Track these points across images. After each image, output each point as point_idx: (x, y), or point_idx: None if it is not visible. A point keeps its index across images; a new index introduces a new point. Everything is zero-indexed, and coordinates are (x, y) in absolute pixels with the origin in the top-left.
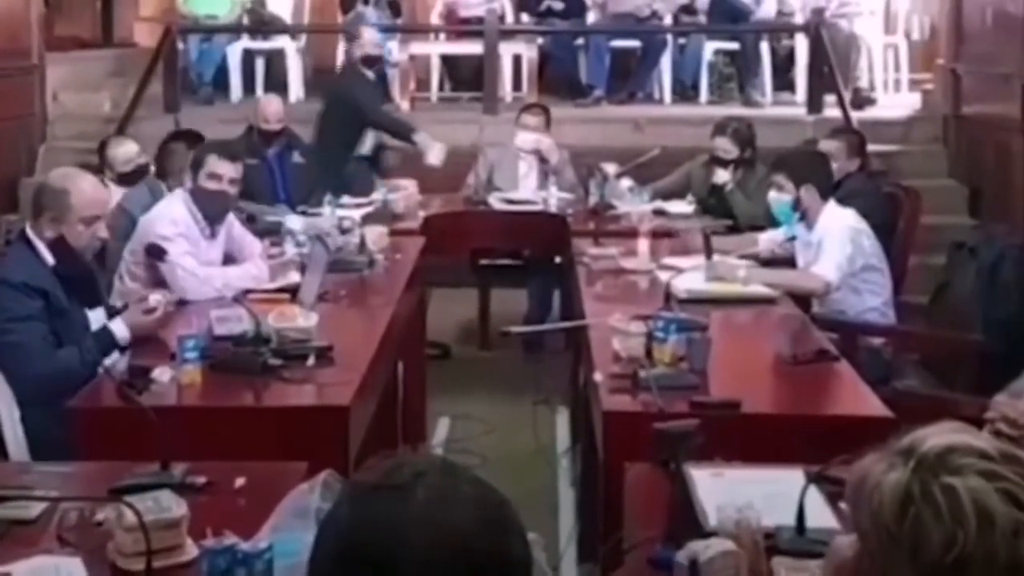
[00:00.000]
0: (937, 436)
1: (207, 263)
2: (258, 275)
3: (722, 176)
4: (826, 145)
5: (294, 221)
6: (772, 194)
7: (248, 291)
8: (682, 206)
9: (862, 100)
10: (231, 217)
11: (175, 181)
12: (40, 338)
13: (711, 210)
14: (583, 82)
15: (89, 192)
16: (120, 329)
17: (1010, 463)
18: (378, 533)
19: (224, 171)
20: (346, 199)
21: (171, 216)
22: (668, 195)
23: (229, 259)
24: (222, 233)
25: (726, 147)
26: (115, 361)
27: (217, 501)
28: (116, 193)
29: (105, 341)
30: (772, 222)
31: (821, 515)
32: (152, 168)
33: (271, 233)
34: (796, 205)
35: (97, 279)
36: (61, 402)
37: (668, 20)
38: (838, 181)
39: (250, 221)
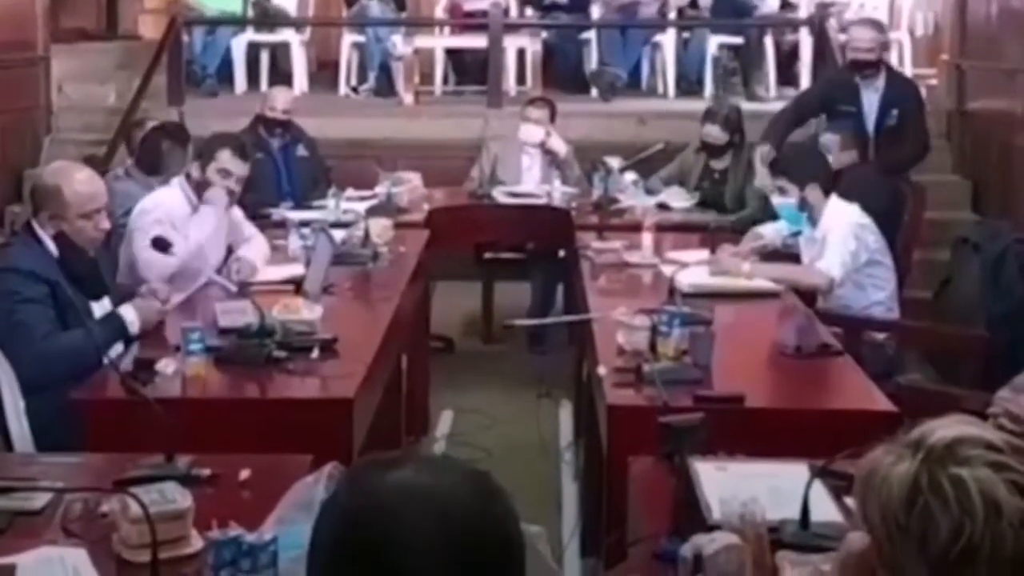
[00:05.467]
0: (945, 428)
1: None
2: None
3: (720, 164)
4: (822, 139)
5: (299, 214)
6: (776, 199)
7: (252, 283)
8: (686, 200)
9: None
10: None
11: (167, 179)
12: (47, 320)
13: (703, 195)
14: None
15: (84, 187)
16: (129, 314)
17: (1018, 455)
18: (369, 506)
19: (235, 169)
20: (350, 192)
21: (158, 199)
22: (665, 185)
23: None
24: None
25: (716, 134)
26: (120, 353)
27: (222, 493)
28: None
29: (114, 326)
30: (766, 209)
31: (825, 509)
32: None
33: (276, 226)
34: (802, 205)
35: (101, 271)
36: (65, 385)
37: (673, 15)
38: (837, 172)
39: (255, 217)
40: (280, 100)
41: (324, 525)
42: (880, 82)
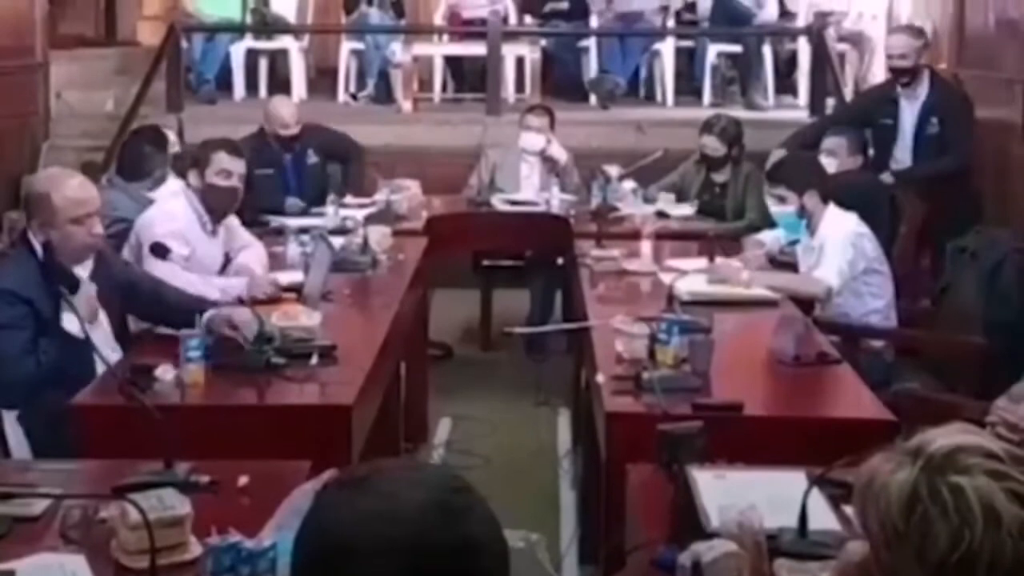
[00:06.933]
0: (945, 437)
1: (209, 261)
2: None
3: (720, 176)
4: (829, 143)
5: (298, 221)
6: (774, 208)
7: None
8: (684, 208)
9: None
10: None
11: (156, 182)
12: (20, 342)
13: (703, 207)
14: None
15: (73, 192)
16: (73, 325)
17: (1018, 464)
18: (332, 530)
19: (234, 168)
20: (349, 199)
21: (170, 212)
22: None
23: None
24: (222, 231)
25: (714, 145)
26: (118, 361)
27: (221, 500)
28: None
29: (64, 338)
30: (766, 219)
31: (823, 517)
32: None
33: (275, 233)
34: (801, 213)
35: (80, 284)
36: (64, 393)
37: (671, 23)
38: (835, 175)
39: (253, 224)
40: (287, 115)
41: (296, 550)
42: (922, 90)
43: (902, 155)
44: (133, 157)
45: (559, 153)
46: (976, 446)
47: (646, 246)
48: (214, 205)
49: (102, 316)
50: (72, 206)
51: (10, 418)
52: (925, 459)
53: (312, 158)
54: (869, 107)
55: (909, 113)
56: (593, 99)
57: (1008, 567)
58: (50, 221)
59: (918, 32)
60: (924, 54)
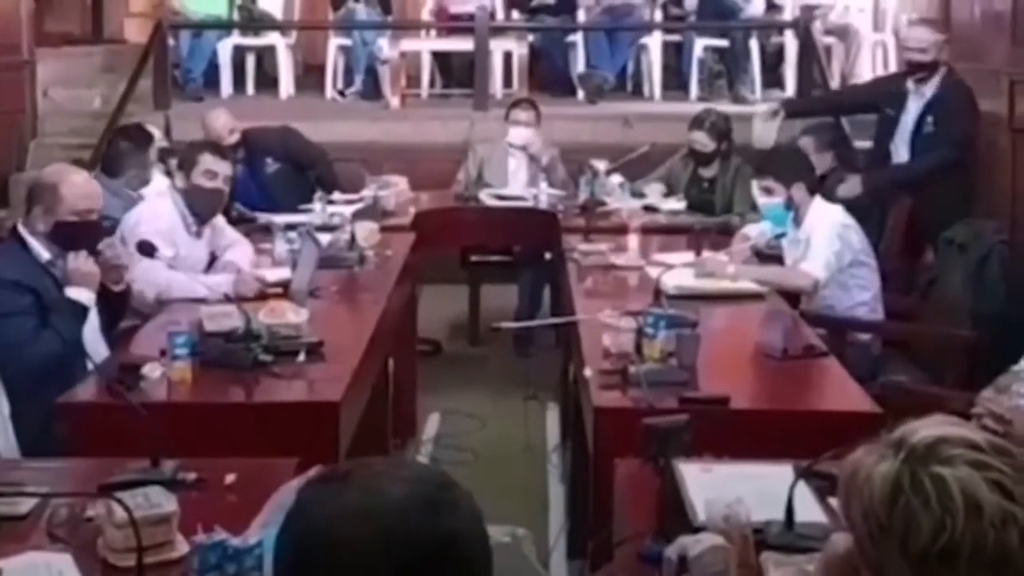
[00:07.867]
0: (927, 428)
1: (193, 261)
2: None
3: (708, 172)
4: (800, 142)
5: (285, 217)
6: (762, 200)
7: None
8: (672, 203)
9: None
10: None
11: (134, 181)
12: (27, 330)
13: (691, 202)
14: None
15: (80, 187)
16: (78, 293)
17: (1000, 454)
18: (315, 524)
19: (219, 169)
20: (336, 195)
21: (156, 212)
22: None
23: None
24: (207, 231)
25: (703, 141)
26: (106, 359)
27: (208, 497)
28: None
29: (72, 313)
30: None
31: (810, 510)
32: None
33: (263, 230)
34: (788, 205)
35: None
36: (56, 389)
37: (659, 15)
38: (822, 176)
39: (240, 222)
40: (220, 127)
41: (279, 544)
42: (930, 88)
43: (901, 150)
44: (111, 154)
45: (541, 152)
46: (958, 437)
47: (633, 240)
48: (199, 206)
49: (92, 314)
50: (77, 199)
51: (0, 416)
52: (908, 450)
53: (272, 166)
54: (879, 94)
55: (913, 109)
56: (580, 94)
57: (990, 557)
58: (53, 209)
59: (938, 26)
60: (944, 50)
